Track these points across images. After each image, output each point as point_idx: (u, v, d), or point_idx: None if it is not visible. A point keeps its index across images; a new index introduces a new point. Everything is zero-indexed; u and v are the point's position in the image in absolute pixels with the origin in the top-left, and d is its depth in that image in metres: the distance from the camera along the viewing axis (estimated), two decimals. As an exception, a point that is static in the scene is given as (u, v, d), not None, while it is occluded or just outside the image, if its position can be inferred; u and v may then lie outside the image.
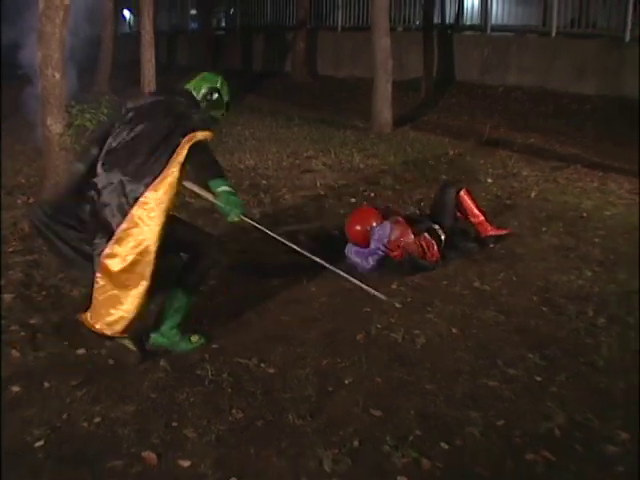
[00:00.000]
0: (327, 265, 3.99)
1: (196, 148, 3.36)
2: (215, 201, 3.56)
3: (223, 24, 21.23)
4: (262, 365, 3.46)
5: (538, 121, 10.89)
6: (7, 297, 4.24)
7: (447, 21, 14.35)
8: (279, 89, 15.69)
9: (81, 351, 3.59)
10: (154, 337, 3.65)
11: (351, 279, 3.99)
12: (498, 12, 13.53)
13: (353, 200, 6.52)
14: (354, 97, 13.65)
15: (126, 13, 26.58)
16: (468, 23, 14.36)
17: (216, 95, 3.69)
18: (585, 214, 6.18)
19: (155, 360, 3.48)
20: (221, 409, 3.06)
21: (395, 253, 4.79)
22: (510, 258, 5.08)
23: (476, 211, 5.28)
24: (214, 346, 3.66)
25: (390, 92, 10.14)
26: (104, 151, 3.45)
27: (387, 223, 4.89)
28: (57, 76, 6.65)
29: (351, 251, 4.95)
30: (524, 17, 13.56)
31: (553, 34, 12.62)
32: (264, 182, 7.29)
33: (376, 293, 4.02)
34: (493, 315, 4.12)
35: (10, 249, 5.14)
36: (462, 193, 5.29)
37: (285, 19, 18.33)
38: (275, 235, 3.92)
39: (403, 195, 6.76)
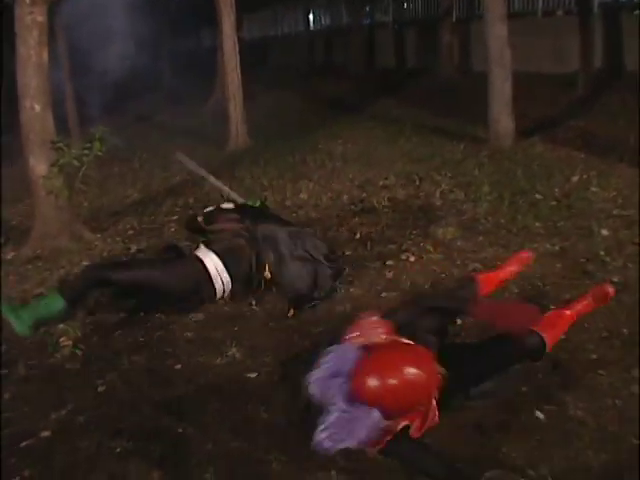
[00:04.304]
0: None
1: None
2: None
3: (374, 19, 19.51)
4: None
5: None
6: None
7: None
8: (420, 89, 13.83)
9: None
10: None
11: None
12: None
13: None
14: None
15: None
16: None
17: None
18: None
19: None
20: None
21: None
22: None
23: None
24: None
25: (510, 93, 7.93)
26: None
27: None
28: (37, 108, 5.53)
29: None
30: None
31: None
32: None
33: None
34: None
35: None
36: None
37: (438, 10, 16.29)
38: None
39: (464, 255, 4.81)
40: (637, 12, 10.31)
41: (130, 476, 2.65)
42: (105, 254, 5.44)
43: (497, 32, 7.73)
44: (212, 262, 4.04)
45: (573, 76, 10.78)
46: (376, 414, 2.46)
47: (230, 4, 9.56)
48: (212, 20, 12.25)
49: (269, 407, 3.04)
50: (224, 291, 4.11)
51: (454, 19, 14.66)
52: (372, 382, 2.46)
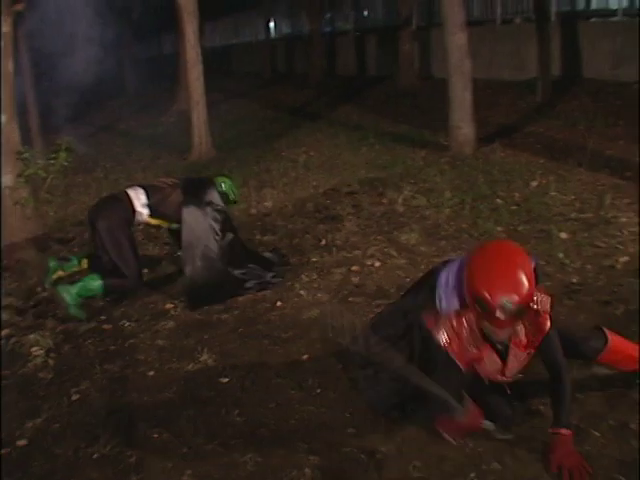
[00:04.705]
0: None
1: None
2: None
3: (334, 27, 19.70)
4: None
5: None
6: None
7: (576, 7, 11.92)
8: (381, 97, 14.02)
9: None
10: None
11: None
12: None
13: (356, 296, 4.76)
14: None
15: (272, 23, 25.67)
16: (594, 7, 11.81)
17: None
18: None
19: None
20: None
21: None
22: None
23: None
24: None
25: (470, 101, 8.13)
26: None
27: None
28: (3, 119, 5.55)
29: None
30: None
31: None
32: (265, 238, 5.78)
33: None
34: None
35: None
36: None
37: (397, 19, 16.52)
38: None
39: (428, 260, 4.93)
40: (638, 19, 10.48)
41: (107, 482, 2.70)
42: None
43: (456, 40, 7.92)
44: (134, 190, 4.55)
45: (532, 83, 11.05)
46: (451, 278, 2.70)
47: (193, 12, 9.62)
48: (174, 28, 12.31)
49: (242, 410, 3.11)
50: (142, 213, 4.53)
51: (414, 27, 14.88)
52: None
